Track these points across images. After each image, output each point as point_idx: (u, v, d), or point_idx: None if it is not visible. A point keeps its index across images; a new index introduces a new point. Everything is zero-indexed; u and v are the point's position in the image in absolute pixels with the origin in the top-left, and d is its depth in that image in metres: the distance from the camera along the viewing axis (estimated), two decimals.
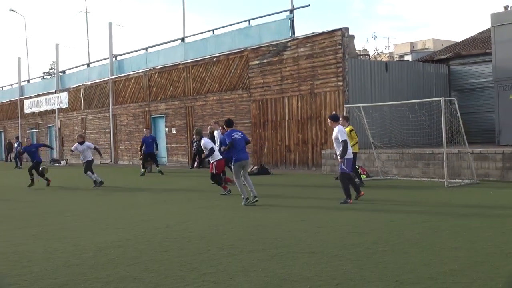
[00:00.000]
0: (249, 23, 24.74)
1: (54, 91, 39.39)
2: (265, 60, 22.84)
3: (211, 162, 14.35)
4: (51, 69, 77.61)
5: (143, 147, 22.04)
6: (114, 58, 33.38)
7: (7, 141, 43.36)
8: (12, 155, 40.27)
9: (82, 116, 36.12)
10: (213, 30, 26.99)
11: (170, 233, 8.89)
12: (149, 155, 22.20)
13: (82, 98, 36.07)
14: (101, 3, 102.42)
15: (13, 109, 45.67)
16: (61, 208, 12.99)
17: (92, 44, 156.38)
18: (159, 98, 29.07)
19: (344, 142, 11.34)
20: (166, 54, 29.32)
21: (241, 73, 24.00)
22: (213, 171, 14.30)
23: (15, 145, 36.61)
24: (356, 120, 17.95)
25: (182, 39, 28.86)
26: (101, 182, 17.79)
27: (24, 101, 43.29)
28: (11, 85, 49.15)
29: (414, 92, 21.92)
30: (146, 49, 31.36)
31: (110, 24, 33.78)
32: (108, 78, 33.10)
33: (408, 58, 34.12)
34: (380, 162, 17.71)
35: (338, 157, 11.60)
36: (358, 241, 7.69)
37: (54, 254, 7.56)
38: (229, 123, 12.64)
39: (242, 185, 11.98)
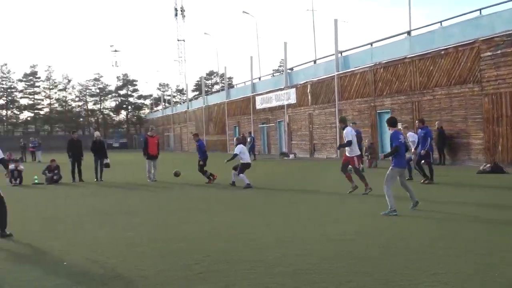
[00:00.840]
0: (480, 13, 23.34)
1: (283, 87, 41.30)
2: (499, 51, 21.33)
3: (351, 156, 13.90)
4: (280, 66, 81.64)
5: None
6: (339, 54, 33.92)
7: (241, 135, 46.57)
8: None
9: (309, 112, 37.31)
10: (440, 22, 26.00)
11: (391, 231, 8.81)
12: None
13: (309, 94, 37.29)
14: (327, 1, 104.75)
15: (246, 105, 48.93)
16: (291, 198, 13.60)
17: (318, 41, 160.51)
18: (384, 93, 28.86)
19: None
20: (392, 48, 28.92)
21: (471, 66, 22.75)
22: (355, 165, 13.95)
23: (248, 139, 39.32)
24: None
25: (408, 33, 28.24)
26: (233, 183, 17.43)
27: (256, 97, 46.10)
28: (244, 82, 52.80)
29: None
30: (371, 44, 31.33)
31: (336, 21, 34.35)
32: (333, 74, 33.74)
33: None
34: None
35: None
36: None
37: (285, 243, 7.95)
38: (393, 122, 10.98)
39: (391, 194, 10.41)
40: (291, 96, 39.69)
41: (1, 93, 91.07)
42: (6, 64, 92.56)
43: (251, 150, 37.76)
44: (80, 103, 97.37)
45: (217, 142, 56.46)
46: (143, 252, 7.60)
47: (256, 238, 8.46)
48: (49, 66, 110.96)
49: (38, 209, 12.84)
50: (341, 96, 33.12)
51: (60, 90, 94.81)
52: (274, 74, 56.69)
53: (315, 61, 38.88)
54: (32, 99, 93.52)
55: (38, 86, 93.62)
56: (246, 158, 17.55)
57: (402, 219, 9.93)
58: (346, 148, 14.14)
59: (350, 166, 14.26)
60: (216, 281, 6.06)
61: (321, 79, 35.70)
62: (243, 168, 17.26)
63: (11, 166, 20.36)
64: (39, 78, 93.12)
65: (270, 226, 9.67)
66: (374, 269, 6.29)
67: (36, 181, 20.04)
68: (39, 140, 42.61)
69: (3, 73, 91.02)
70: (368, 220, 9.97)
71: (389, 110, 28.36)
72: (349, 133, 13.89)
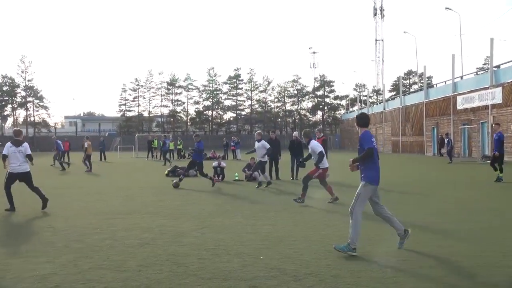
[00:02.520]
0: None
1: (487, 86, 38.82)
2: None
3: (317, 167, 13.22)
4: (484, 64, 76.86)
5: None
6: None
7: (439, 136, 44.77)
8: (443, 150, 41.83)
9: None
10: None
11: None
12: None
13: None
14: None
15: (446, 105, 46.80)
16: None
17: None
18: None
19: None
20: None
21: None
22: (312, 175, 13.28)
23: (446, 140, 37.80)
24: None
25: None
26: (269, 183, 18.14)
27: (457, 97, 43.89)
28: (444, 81, 50.53)
29: None
30: None
31: None
32: None
33: None
34: None
35: None
36: None
37: (482, 253, 7.50)
38: (363, 120, 7.99)
39: (360, 223, 7.55)
40: (496, 96, 37.19)
41: (208, 95, 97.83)
42: (213, 68, 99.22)
43: (449, 152, 36.22)
44: (279, 104, 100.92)
45: (414, 143, 54.89)
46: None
47: (447, 246, 8.04)
48: (251, 69, 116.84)
49: (238, 204, 13.50)
50: None
51: (260, 91, 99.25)
52: (478, 73, 53.37)
53: None
54: (235, 101, 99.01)
55: (241, 88, 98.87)
56: (260, 156, 18.45)
57: None
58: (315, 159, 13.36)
59: None
60: (409, 286, 5.88)
61: None
62: (260, 167, 18.31)
63: (215, 163, 21.76)
64: (242, 80, 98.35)
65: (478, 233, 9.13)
66: None
67: (236, 178, 21.13)
68: (237, 139, 44.94)
69: (210, 76, 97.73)
70: None
71: None
72: (317, 145, 13.55)
